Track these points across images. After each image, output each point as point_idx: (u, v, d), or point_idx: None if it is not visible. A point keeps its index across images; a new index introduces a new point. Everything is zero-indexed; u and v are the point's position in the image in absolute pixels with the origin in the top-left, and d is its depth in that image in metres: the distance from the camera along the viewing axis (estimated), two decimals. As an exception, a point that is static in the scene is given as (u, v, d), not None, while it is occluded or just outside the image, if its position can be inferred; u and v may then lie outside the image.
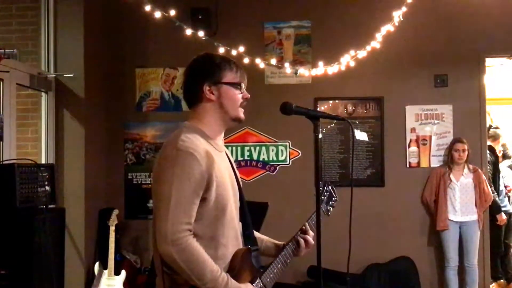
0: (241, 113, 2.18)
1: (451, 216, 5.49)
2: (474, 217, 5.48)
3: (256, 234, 2.33)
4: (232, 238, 2.10)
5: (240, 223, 2.20)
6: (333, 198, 2.53)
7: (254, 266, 2.14)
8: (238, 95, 2.16)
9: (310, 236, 2.30)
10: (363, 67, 5.46)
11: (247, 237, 2.19)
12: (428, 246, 5.78)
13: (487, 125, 6.22)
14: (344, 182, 5.72)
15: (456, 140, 5.61)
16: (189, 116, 2.18)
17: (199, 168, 1.97)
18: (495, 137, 6.73)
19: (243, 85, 2.18)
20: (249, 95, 2.21)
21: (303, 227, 2.33)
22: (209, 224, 2.02)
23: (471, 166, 5.56)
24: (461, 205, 5.49)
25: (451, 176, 5.53)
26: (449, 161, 5.59)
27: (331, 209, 2.51)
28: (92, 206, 5.48)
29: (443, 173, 5.57)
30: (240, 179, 2.25)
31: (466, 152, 5.52)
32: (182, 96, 6.57)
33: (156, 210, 1.98)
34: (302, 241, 2.29)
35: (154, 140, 5.99)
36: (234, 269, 2.05)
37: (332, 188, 2.54)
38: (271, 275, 2.17)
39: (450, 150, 5.61)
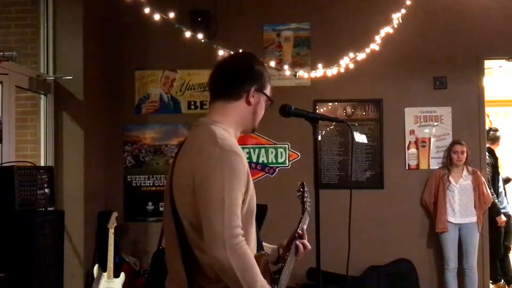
0: (257, 126, 2.19)
1: (450, 218, 5.49)
2: (473, 219, 5.48)
3: None
4: (254, 242, 2.05)
5: None
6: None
7: (271, 273, 2.08)
8: (263, 111, 2.17)
9: (305, 239, 2.28)
10: (362, 69, 5.46)
11: (257, 242, 2.14)
12: (427, 248, 5.77)
13: (486, 127, 6.22)
14: (343, 184, 5.72)
15: (454, 142, 5.61)
16: (211, 110, 2.09)
17: (243, 168, 1.91)
18: (494, 139, 6.74)
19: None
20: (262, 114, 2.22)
21: (300, 232, 2.29)
22: (243, 227, 1.90)
23: (470, 168, 5.56)
24: (460, 207, 5.49)
25: (450, 178, 5.53)
26: (448, 163, 5.59)
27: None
28: (91, 208, 5.48)
29: (442, 175, 5.57)
30: None
31: (465, 154, 5.52)
32: (181, 98, 6.57)
33: (207, 213, 1.84)
34: (301, 246, 2.26)
35: (153, 142, 5.99)
36: None
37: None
38: (283, 282, 2.13)
39: (449, 152, 5.61)
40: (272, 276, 2.07)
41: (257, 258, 1.96)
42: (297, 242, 2.27)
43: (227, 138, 1.95)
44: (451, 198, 5.50)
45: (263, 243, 2.29)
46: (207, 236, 1.83)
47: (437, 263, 5.73)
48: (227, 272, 1.81)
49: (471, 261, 5.46)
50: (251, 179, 1.98)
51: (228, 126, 2.05)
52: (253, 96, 2.08)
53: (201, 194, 1.87)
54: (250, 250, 1.93)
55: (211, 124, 2.01)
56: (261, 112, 2.15)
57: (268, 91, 2.15)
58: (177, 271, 1.96)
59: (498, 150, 6.79)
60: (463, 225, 5.50)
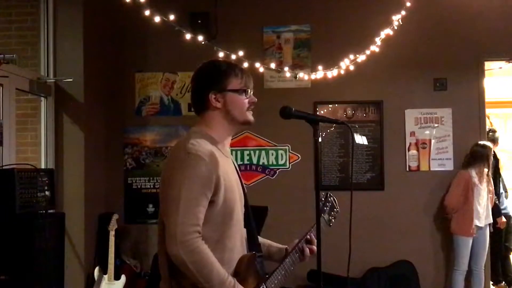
0: (249, 116, 2.19)
1: (476, 222, 5.38)
2: (490, 220, 5.48)
3: (260, 239, 2.34)
4: (238, 243, 2.11)
5: (245, 229, 2.20)
6: (335, 209, 2.53)
7: (259, 272, 2.13)
8: (244, 101, 2.17)
9: (314, 245, 2.29)
10: (362, 71, 5.46)
11: (252, 243, 2.20)
12: (428, 249, 5.76)
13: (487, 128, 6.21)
14: (344, 186, 5.72)
15: (488, 145, 5.50)
16: (197, 121, 2.22)
17: (208, 171, 1.99)
18: (494, 140, 6.73)
19: (248, 91, 2.19)
20: (256, 99, 2.21)
21: (308, 237, 2.32)
22: (216, 227, 2.03)
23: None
24: (483, 209, 5.43)
25: (477, 180, 5.42)
26: (484, 166, 5.42)
27: (333, 220, 2.51)
28: (91, 210, 5.48)
29: (469, 177, 5.43)
30: (244, 185, 2.26)
31: None
32: (181, 100, 6.60)
33: (166, 212, 1.99)
34: (307, 250, 2.29)
35: (154, 144, 5.99)
36: (240, 275, 2.05)
37: (334, 199, 2.54)
38: (275, 281, 2.17)
39: (487, 155, 5.44)
40: (259, 275, 2.12)
41: (242, 257, 2.09)
42: (304, 246, 2.30)
43: (197, 144, 2.03)
44: (477, 200, 5.40)
45: (273, 244, 2.37)
46: (166, 233, 1.97)
47: (438, 264, 5.73)
48: (181, 266, 1.94)
49: (481, 262, 5.45)
50: (229, 182, 2.07)
51: (212, 132, 2.15)
52: (217, 100, 2.15)
53: (164, 193, 2.03)
54: (232, 248, 2.05)
55: (193, 133, 2.14)
56: (237, 108, 2.15)
57: (234, 85, 2.16)
58: (163, 270, 2.08)
59: (498, 151, 6.79)
60: (481, 227, 5.44)
